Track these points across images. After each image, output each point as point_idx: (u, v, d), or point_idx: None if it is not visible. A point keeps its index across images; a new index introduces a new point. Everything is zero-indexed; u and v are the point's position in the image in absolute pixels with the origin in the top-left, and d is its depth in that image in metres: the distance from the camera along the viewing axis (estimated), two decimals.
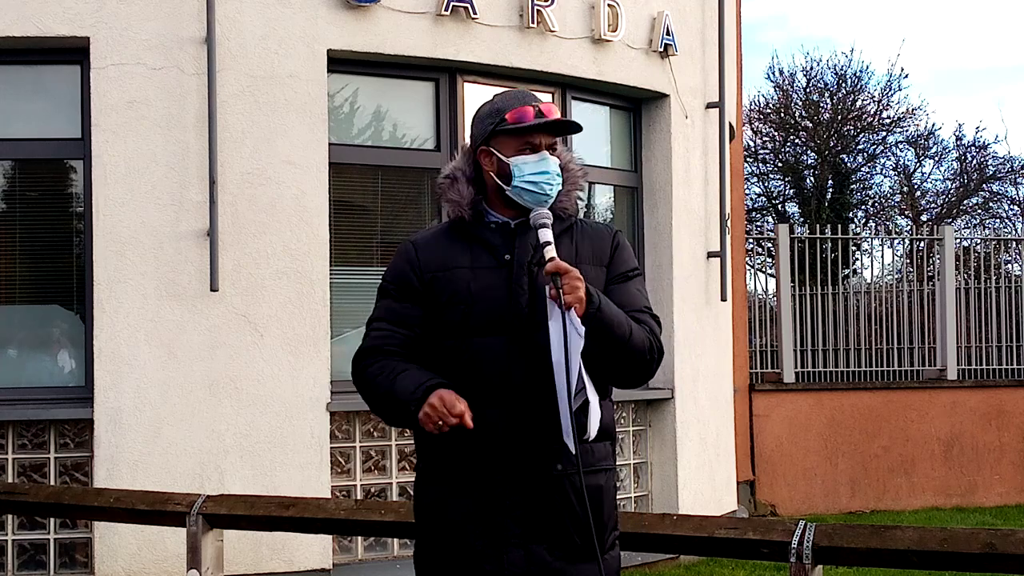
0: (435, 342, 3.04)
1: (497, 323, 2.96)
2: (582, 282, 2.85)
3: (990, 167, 24.87)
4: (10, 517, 6.76)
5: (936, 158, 25.05)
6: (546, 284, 2.87)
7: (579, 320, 2.82)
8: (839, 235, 13.76)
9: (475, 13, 7.40)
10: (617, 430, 8.64)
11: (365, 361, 3.07)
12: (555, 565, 2.96)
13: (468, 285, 3.01)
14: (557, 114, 3.07)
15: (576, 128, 3.15)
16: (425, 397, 2.89)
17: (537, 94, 3.22)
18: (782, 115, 24.51)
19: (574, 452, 2.87)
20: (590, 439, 2.94)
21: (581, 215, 3.22)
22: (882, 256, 20.91)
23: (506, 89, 3.37)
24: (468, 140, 3.20)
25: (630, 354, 2.97)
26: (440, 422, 2.85)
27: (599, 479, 3.02)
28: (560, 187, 3.06)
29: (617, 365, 2.98)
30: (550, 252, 2.89)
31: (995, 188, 25.19)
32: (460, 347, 2.99)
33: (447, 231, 3.13)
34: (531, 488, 2.96)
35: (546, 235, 2.94)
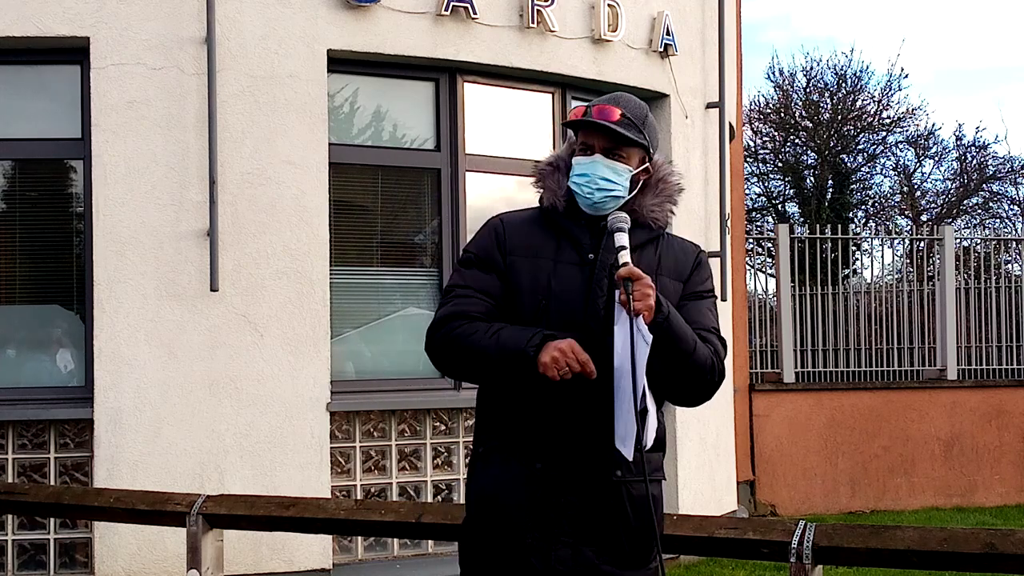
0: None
1: (572, 321, 2.94)
2: (653, 290, 2.82)
3: (990, 167, 24.89)
4: (10, 517, 6.76)
5: (936, 158, 25.09)
6: (617, 288, 2.84)
7: (647, 327, 2.81)
8: (839, 235, 13.75)
9: (475, 13, 7.40)
10: None
11: (451, 324, 2.99)
12: (603, 568, 2.96)
13: (549, 277, 2.99)
14: (612, 117, 2.99)
15: (616, 134, 3.01)
16: (543, 344, 2.85)
17: (625, 96, 3.10)
18: (782, 115, 24.51)
19: (630, 459, 2.87)
20: (647, 448, 2.91)
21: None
22: (882, 256, 20.95)
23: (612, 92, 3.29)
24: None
25: (692, 369, 2.95)
26: (567, 367, 2.81)
27: (655, 489, 3.03)
28: (612, 192, 3.01)
29: (678, 379, 2.96)
30: (624, 257, 2.86)
31: (995, 188, 25.22)
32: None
33: (537, 217, 3.10)
34: (588, 490, 2.96)
35: (622, 239, 2.90)
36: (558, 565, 2.94)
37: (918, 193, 25.14)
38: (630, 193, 3.04)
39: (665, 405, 3.10)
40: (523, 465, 2.97)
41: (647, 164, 3.08)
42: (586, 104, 3.06)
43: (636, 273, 2.81)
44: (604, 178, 2.99)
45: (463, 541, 3.11)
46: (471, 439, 3.78)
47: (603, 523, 2.96)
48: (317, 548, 6.94)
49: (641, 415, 2.86)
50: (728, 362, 9.81)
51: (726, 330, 9.48)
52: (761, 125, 24.57)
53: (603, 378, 2.88)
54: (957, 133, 24.85)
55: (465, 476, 5.89)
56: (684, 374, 2.95)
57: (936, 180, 25.44)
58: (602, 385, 2.89)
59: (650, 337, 2.81)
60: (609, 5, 8.00)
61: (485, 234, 3.11)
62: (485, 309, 3.01)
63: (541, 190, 3.12)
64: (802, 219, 23.33)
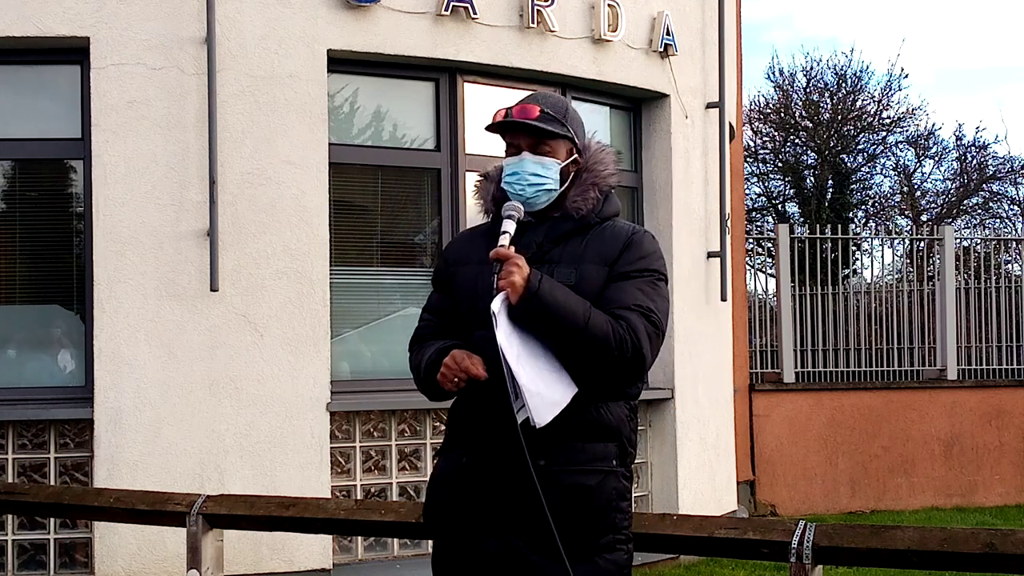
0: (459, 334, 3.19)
1: (484, 316, 2.99)
2: (520, 269, 2.91)
3: (990, 167, 24.89)
4: (10, 517, 6.76)
5: (936, 158, 25.08)
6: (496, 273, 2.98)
7: (503, 304, 2.92)
8: (839, 235, 13.76)
9: (475, 13, 7.40)
10: None
11: (410, 352, 3.28)
12: (532, 559, 2.96)
13: (475, 280, 3.11)
14: (532, 114, 3.11)
15: (537, 130, 3.13)
16: (440, 359, 3.04)
17: (543, 94, 3.29)
18: (782, 115, 24.51)
19: (534, 424, 2.90)
20: (536, 427, 2.91)
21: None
22: (882, 256, 20.95)
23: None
24: None
25: (586, 344, 2.93)
26: (456, 379, 2.99)
27: (588, 479, 2.99)
28: (543, 187, 3.11)
29: (574, 355, 2.97)
30: (502, 240, 3.00)
31: (995, 188, 25.22)
32: (466, 340, 3.09)
33: (484, 228, 3.27)
34: (512, 480, 2.98)
35: (506, 225, 3.04)
36: (485, 556, 3.00)
37: (918, 193, 25.14)
38: (562, 185, 3.14)
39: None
40: (453, 460, 3.13)
41: (575, 156, 3.18)
42: (506, 108, 3.18)
43: (504, 254, 2.95)
44: (533, 173, 3.10)
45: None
46: None
47: (530, 514, 2.97)
48: (317, 548, 6.94)
49: (514, 390, 2.92)
50: (728, 362, 9.85)
51: (726, 330, 9.48)
52: (761, 125, 24.58)
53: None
54: (957, 133, 24.89)
55: None
56: (579, 350, 2.95)
57: (936, 180, 25.47)
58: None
59: (502, 310, 2.91)
60: (609, 5, 8.00)
61: (440, 258, 3.38)
62: (435, 329, 3.24)
63: (477, 203, 3.30)
64: (802, 219, 23.33)
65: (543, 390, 2.92)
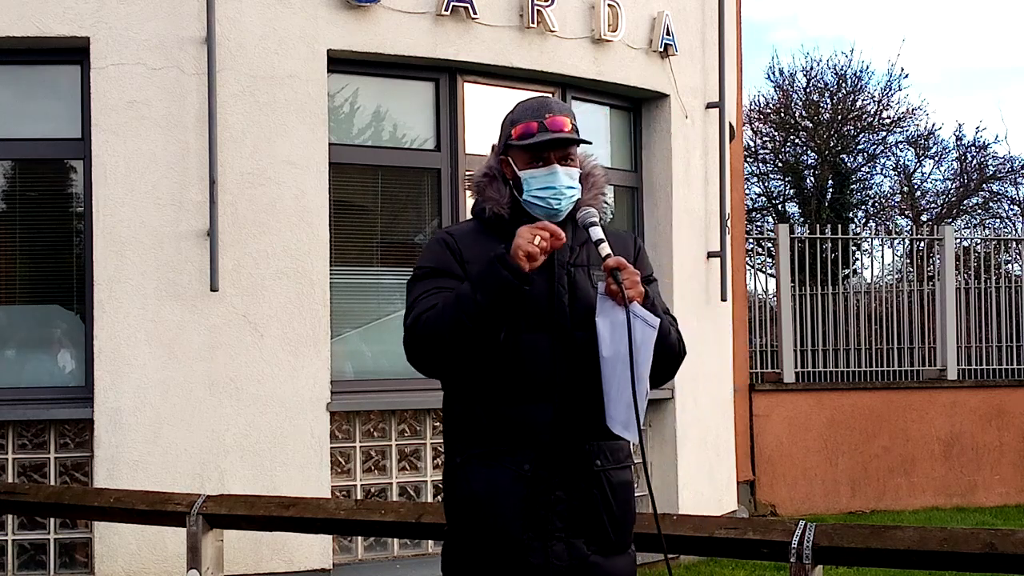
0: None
1: (540, 321, 2.99)
2: (639, 276, 2.95)
3: (990, 167, 24.88)
4: (10, 517, 6.76)
5: (936, 158, 25.08)
6: (599, 281, 2.95)
7: (647, 311, 2.91)
8: (839, 235, 13.75)
9: (475, 13, 7.40)
10: None
11: (422, 318, 2.95)
12: (592, 559, 3.03)
13: (537, 283, 2.99)
14: (566, 127, 3.06)
15: (581, 142, 3.13)
16: (495, 260, 2.86)
17: (553, 101, 3.21)
18: (782, 115, 24.50)
19: (636, 442, 2.96)
20: (633, 440, 3.00)
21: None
22: (882, 256, 20.95)
23: (535, 95, 3.34)
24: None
25: (668, 350, 3.07)
26: (537, 237, 2.85)
27: (627, 475, 3.12)
28: (573, 198, 3.09)
29: (658, 359, 3.01)
30: (606, 249, 2.96)
31: (995, 188, 25.20)
32: (507, 343, 2.96)
33: (481, 228, 3.13)
34: (574, 483, 3.01)
35: (597, 233, 3.00)
36: (555, 560, 2.99)
37: (918, 193, 25.14)
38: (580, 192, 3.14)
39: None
40: (512, 468, 2.99)
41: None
42: (529, 119, 3.06)
43: (622, 263, 2.93)
44: (568, 186, 3.07)
45: (450, 550, 3.12)
46: None
47: (589, 514, 3.03)
48: (317, 548, 6.94)
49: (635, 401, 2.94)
50: (728, 362, 9.85)
51: (726, 330, 9.49)
52: (761, 125, 24.56)
53: (580, 374, 2.97)
54: (957, 133, 24.87)
55: None
56: (663, 354, 3.03)
57: (936, 180, 25.46)
58: (580, 381, 2.98)
59: (656, 320, 2.91)
60: (609, 5, 8.00)
61: (436, 248, 3.11)
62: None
63: (481, 201, 3.14)
64: (802, 219, 23.32)
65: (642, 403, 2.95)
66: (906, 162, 25.02)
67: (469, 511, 3.03)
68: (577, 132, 3.11)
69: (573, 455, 3.00)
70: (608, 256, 2.93)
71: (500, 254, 2.87)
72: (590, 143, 3.16)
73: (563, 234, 2.91)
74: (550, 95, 3.32)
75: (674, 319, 3.19)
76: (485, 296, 2.86)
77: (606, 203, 3.25)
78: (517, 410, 2.99)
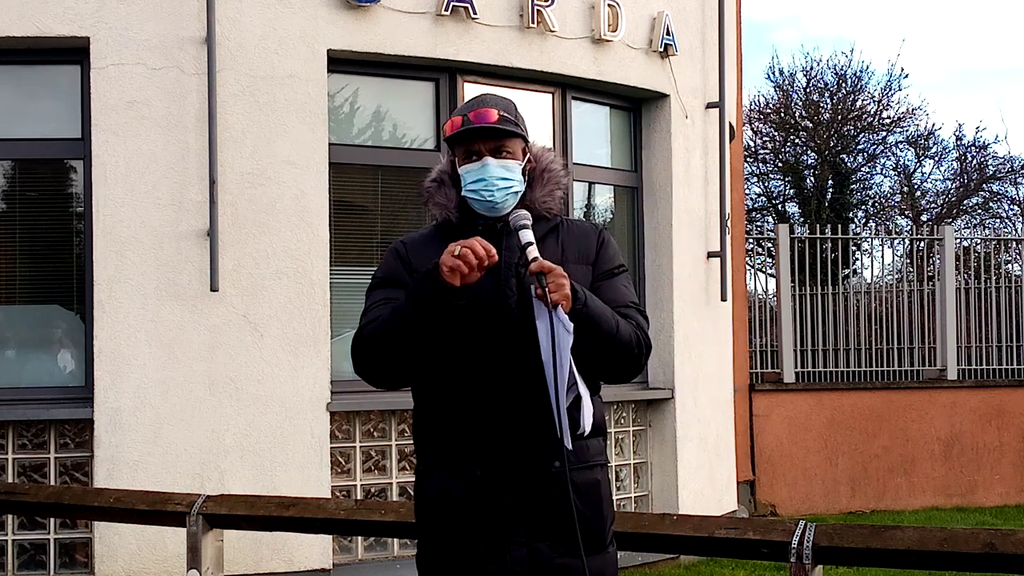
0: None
1: (488, 325, 2.97)
2: (567, 279, 2.86)
3: (990, 167, 24.88)
4: (10, 517, 6.76)
5: (936, 158, 25.08)
6: (531, 284, 2.88)
7: (567, 317, 2.84)
8: (839, 235, 13.75)
9: (475, 13, 7.40)
10: (617, 430, 8.63)
11: (365, 330, 3.00)
12: (558, 561, 2.97)
13: (478, 290, 2.98)
14: (492, 117, 3.02)
15: (502, 132, 3.05)
16: (424, 276, 2.86)
17: (489, 96, 3.15)
18: (782, 115, 24.50)
19: (570, 448, 2.88)
20: (585, 434, 2.95)
21: (580, 214, 3.23)
22: (882, 256, 20.94)
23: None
24: None
25: (617, 349, 2.98)
26: (465, 254, 2.81)
27: (595, 474, 3.05)
28: (509, 190, 3.05)
29: (605, 360, 2.99)
30: (533, 252, 2.90)
31: (995, 188, 25.20)
32: (455, 349, 2.97)
33: (436, 234, 3.15)
34: (530, 486, 2.97)
35: (527, 236, 2.95)
36: (515, 566, 2.96)
37: (918, 193, 25.14)
38: (523, 186, 3.09)
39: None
40: (463, 474, 2.98)
41: (528, 154, 3.13)
42: (459, 115, 3.06)
43: (547, 266, 2.85)
44: (501, 177, 3.03)
45: (419, 557, 3.12)
46: None
47: (550, 516, 2.97)
48: (317, 548, 6.94)
49: (576, 403, 2.90)
50: (728, 362, 9.84)
51: (726, 330, 9.48)
52: (761, 125, 24.56)
53: (530, 376, 2.91)
54: (957, 133, 24.88)
55: None
56: (611, 354, 2.98)
57: (936, 180, 25.46)
58: (531, 383, 2.92)
59: (571, 326, 2.83)
60: (609, 5, 8.00)
61: (389, 258, 3.15)
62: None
63: (432, 208, 3.16)
64: (802, 219, 23.32)
65: (587, 399, 2.94)
66: (906, 162, 25.05)
67: (428, 520, 3.05)
68: (516, 125, 3.06)
69: (527, 458, 2.96)
70: (535, 260, 2.87)
71: (429, 269, 2.87)
72: (520, 135, 3.07)
73: (493, 249, 2.85)
74: (488, 94, 3.26)
75: (641, 312, 3.10)
76: (415, 311, 2.89)
77: (563, 197, 3.18)
78: (466, 416, 2.98)
